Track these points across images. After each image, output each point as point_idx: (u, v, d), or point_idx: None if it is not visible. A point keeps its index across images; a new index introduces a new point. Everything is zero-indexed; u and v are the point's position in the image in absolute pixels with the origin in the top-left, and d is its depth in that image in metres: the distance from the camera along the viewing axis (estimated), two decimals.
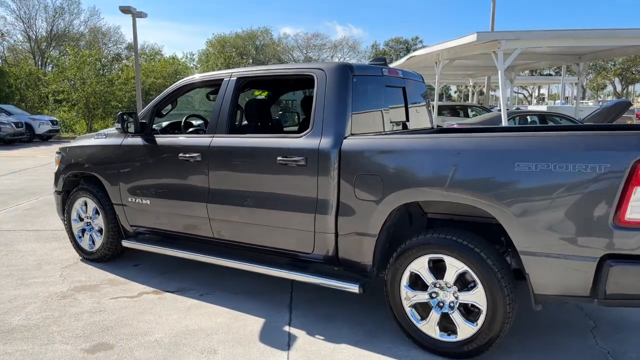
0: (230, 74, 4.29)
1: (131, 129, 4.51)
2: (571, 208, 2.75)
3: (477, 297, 3.05)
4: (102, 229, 5.00)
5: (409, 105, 4.45)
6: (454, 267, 3.12)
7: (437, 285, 3.21)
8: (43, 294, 4.29)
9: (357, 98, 3.70)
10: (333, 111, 3.62)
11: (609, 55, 15.60)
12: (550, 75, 49.37)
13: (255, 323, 3.73)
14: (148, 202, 4.56)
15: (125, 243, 4.81)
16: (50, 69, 41.28)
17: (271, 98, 5.66)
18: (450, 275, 3.15)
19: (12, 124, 20.15)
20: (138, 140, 4.60)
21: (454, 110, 17.85)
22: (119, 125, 4.51)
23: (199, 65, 51.95)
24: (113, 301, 4.14)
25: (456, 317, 3.15)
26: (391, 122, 4.19)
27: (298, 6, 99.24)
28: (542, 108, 22.82)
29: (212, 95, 5.03)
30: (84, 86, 27.51)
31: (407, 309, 3.33)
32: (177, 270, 4.88)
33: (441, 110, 17.30)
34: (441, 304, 3.21)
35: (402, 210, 3.49)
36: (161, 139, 4.49)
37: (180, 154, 4.24)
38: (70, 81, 28.02)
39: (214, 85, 4.57)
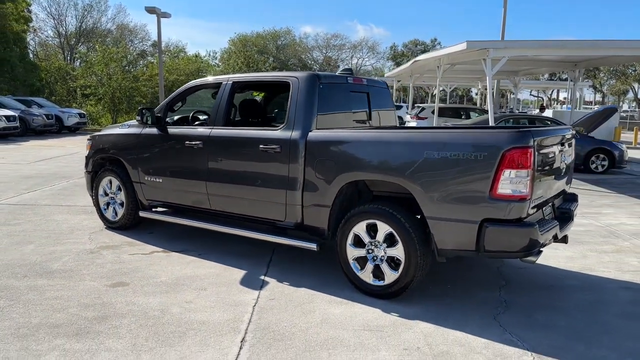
0: (227, 79, 5.37)
1: (149, 121, 5.62)
2: (461, 185, 3.76)
3: (399, 251, 4.07)
4: (123, 202, 6.13)
5: (372, 107, 5.47)
6: (383, 229, 4.14)
7: (372, 244, 4.23)
8: (75, 250, 5.42)
9: (322, 100, 4.74)
10: (302, 110, 4.66)
11: (602, 64, 16.29)
12: (561, 80, 49.66)
13: (239, 273, 4.81)
14: (160, 180, 5.67)
15: (142, 214, 5.95)
16: (78, 64, 43.10)
17: (267, 98, 6.74)
18: (380, 236, 4.17)
19: (43, 116, 21.64)
20: (154, 131, 5.71)
21: (456, 113, 18.74)
22: (139, 118, 5.64)
23: (220, 64, 53.32)
24: (130, 256, 5.26)
25: (384, 267, 4.18)
26: (354, 120, 5.22)
27: (319, 5, 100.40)
28: (548, 113, 23.45)
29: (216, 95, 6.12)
30: (110, 81, 29.03)
31: (351, 262, 4.36)
32: (183, 236, 5.98)
33: (445, 112, 18.19)
34: (374, 258, 4.23)
35: (352, 188, 4.52)
36: (172, 130, 5.59)
37: (187, 142, 5.34)
38: (97, 76, 29.57)
39: (215, 87, 5.64)
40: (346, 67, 5.55)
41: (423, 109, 19.43)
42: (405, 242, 4.02)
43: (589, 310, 4.15)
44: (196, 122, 6.28)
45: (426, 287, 4.50)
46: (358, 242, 4.33)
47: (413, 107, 23.03)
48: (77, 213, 7.12)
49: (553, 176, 4.20)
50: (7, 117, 19.32)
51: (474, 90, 60.82)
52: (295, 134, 4.61)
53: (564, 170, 4.37)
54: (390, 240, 4.14)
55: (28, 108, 22.00)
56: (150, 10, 25.25)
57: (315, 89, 4.70)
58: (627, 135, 28.79)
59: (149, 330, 3.57)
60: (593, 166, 13.06)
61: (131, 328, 3.60)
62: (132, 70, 35.46)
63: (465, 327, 3.73)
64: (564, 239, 4.45)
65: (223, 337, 3.50)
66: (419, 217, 4.20)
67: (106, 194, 6.33)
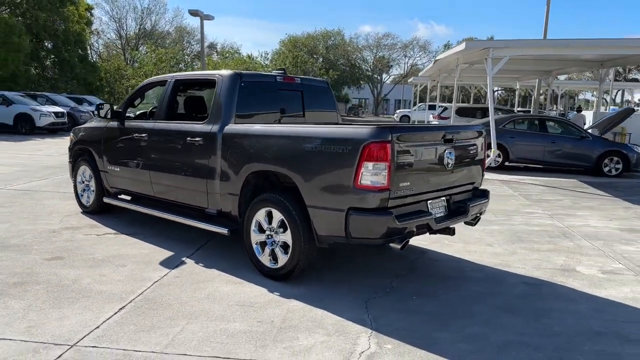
0: (172, 77, 5.86)
1: (103, 115, 6.22)
2: (332, 176, 4.04)
3: (287, 237, 4.40)
4: (94, 189, 6.78)
5: (306, 105, 5.79)
6: (277, 216, 4.48)
7: (270, 229, 4.58)
8: (41, 229, 6.10)
9: (243, 97, 5.13)
10: (222, 106, 5.07)
11: (627, 63, 15.61)
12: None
13: (167, 254, 5.29)
14: (118, 169, 6.26)
15: (105, 200, 6.57)
16: (136, 64, 45.62)
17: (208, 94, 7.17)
18: (275, 222, 4.52)
19: (90, 113, 23.20)
20: (114, 124, 6.30)
21: (479, 112, 18.48)
22: (95, 112, 6.25)
23: (270, 64, 54.56)
24: (83, 236, 5.87)
25: (277, 251, 4.52)
26: (284, 117, 5.56)
27: (379, 4, 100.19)
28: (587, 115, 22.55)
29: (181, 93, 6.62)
30: None
31: (254, 246, 4.73)
32: (139, 221, 6.54)
33: (467, 112, 18.02)
34: (272, 242, 4.58)
35: (260, 179, 4.87)
36: (127, 123, 6.16)
37: (135, 134, 5.88)
38: (147, 76, 31.29)
39: (164, 84, 6.15)
40: (280, 67, 5.93)
41: (445, 108, 19.33)
42: (292, 228, 4.35)
43: (468, 300, 4.31)
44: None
45: (324, 273, 4.79)
46: (260, 228, 4.69)
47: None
48: (67, 199, 7.86)
49: (434, 171, 4.39)
50: (56, 114, 20.93)
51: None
52: (214, 128, 5.03)
53: (451, 166, 4.51)
54: (283, 227, 4.48)
55: (78, 105, 23.68)
56: (194, 13, 26.51)
57: (236, 86, 5.09)
58: None
59: (50, 296, 4.11)
60: (606, 169, 12.61)
61: (38, 293, 4.15)
62: (182, 69, 37.18)
63: (331, 307, 4.02)
64: (448, 231, 4.63)
65: (108, 304, 3.98)
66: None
67: (82, 182, 7.01)
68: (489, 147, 11.00)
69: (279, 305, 4.05)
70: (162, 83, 6.09)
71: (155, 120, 5.77)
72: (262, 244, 4.68)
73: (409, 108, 47.77)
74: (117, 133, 6.24)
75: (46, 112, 20.44)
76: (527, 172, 13.00)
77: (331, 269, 4.99)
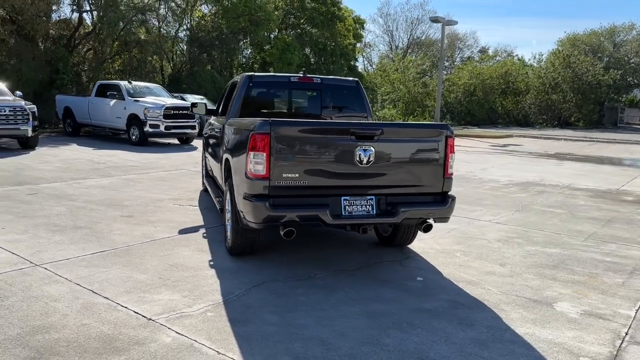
0: (242, 76, 6.85)
1: (199, 111, 7.72)
2: (240, 163, 4.54)
3: (230, 219, 5.07)
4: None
5: (323, 103, 6.19)
6: (227, 199, 5.19)
7: (227, 212, 5.30)
8: (155, 197, 8.01)
9: (250, 95, 5.91)
10: (233, 103, 5.97)
11: None
12: None
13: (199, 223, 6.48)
14: (207, 155, 7.74)
15: (204, 180, 8.16)
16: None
17: None
18: (227, 205, 5.23)
19: None
20: (213, 119, 7.78)
21: None
22: (190, 110, 7.82)
23: (537, 65, 50.56)
24: (172, 205, 7.52)
25: (228, 230, 5.22)
26: (295, 112, 6.11)
27: None
28: None
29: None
30: (404, 88, 32.34)
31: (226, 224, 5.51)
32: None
33: None
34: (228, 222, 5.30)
35: None
36: (215, 118, 7.54)
37: (216, 129, 7.20)
38: (393, 84, 33.33)
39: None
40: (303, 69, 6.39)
41: None
42: (231, 211, 4.99)
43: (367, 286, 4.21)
44: None
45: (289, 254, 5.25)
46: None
47: None
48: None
49: (343, 168, 4.38)
50: None
51: None
52: (224, 121, 5.98)
53: (368, 164, 4.37)
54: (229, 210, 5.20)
55: None
56: (434, 19, 27.34)
57: (245, 86, 5.92)
58: None
59: (87, 237, 5.74)
60: None
61: (77, 235, 5.83)
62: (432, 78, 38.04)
63: (225, 279, 4.54)
64: (360, 229, 4.59)
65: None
66: None
67: (203, 166, 8.79)
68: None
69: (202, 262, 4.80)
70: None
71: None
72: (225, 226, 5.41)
73: None
74: (216, 126, 7.69)
75: None
76: None
77: (298, 251, 5.39)
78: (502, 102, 40.07)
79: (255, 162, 4.24)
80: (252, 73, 6.15)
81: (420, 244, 5.80)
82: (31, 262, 4.80)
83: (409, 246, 5.69)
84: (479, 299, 4.28)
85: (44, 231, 5.83)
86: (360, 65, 48.17)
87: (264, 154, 4.18)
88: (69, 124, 18.36)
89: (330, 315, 3.86)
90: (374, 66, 52.66)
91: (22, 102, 13.53)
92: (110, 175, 9.91)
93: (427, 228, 4.67)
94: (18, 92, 14.85)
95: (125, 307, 3.85)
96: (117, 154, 13.37)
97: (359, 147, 4.35)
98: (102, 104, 16.78)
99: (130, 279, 4.47)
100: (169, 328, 3.53)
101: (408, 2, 77.73)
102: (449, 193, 4.76)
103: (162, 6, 28.50)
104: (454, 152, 4.70)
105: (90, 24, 26.77)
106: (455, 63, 53.70)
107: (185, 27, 30.66)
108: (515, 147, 20.78)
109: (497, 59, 49.88)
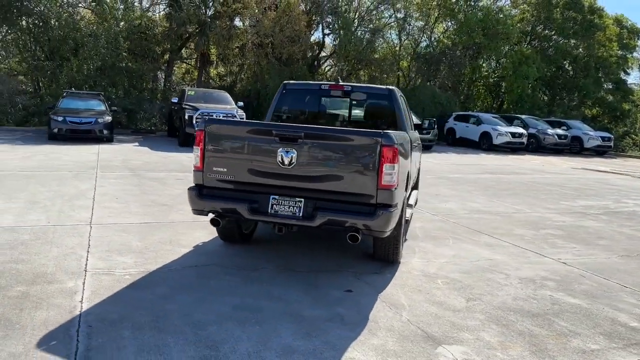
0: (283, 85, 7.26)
1: None
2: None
3: None
4: None
5: (352, 110, 6.21)
6: None
7: None
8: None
9: (282, 101, 6.36)
10: (271, 108, 6.51)
11: None
12: None
13: None
14: None
15: None
16: None
17: None
18: None
19: (555, 135, 23.65)
20: None
21: None
22: None
23: None
24: None
25: None
26: (323, 118, 6.29)
27: None
28: None
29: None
30: None
31: None
32: None
33: None
34: None
35: None
36: None
37: None
38: None
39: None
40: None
41: None
42: None
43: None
44: None
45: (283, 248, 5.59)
46: None
47: None
48: None
49: (266, 167, 4.52)
50: (513, 134, 22.77)
51: None
52: None
53: (290, 165, 4.39)
54: None
55: (548, 127, 24.54)
56: None
57: (279, 93, 6.41)
58: None
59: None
60: None
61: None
62: None
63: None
64: (277, 228, 4.66)
65: None
66: None
67: None
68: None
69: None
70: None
71: None
72: None
73: None
74: None
75: (503, 132, 22.62)
76: None
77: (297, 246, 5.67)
78: None
79: (195, 156, 4.78)
80: (287, 81, 6.55)
81: (421, 264, 5.36)
82: None
83: (409, 266, 5.34)
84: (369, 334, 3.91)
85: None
86: (634, 79, 41.21)
87: (199, 148, 4.69)
88: None
89: (207, 299, 4.16)
90: None
91: (234, 110, 16.43)
92: None
93: (352, 238, 4.42)
94: (240, 103, 17.99)
95: None
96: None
97: (281, 149, 4.45)
98: None
99: None
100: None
101: None
102: (392, 204, 4.40)
103: (402, 24, 30.07)
104: (394, 163, 4.33)
105: (331, 46, 30.10)
106: None
107: (420, 44, 31.57)
108: None
109: None
